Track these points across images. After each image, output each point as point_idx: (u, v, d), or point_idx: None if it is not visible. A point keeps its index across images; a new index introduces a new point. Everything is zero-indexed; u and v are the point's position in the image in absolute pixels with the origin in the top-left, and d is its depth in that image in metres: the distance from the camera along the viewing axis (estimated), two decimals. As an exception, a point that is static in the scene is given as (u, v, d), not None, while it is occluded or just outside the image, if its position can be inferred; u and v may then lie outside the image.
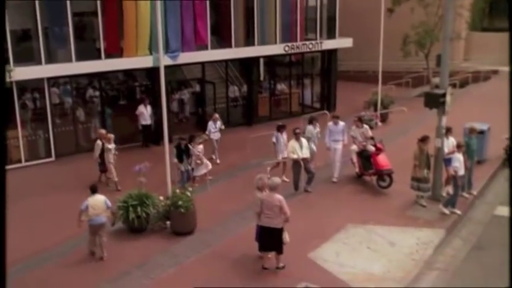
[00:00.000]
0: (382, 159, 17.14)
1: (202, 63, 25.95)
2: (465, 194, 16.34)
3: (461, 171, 15.20)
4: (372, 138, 17.87)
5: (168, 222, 14.54)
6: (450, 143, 16.19)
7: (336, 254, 12.98)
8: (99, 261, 13.12)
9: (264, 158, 18.87)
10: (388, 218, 15.03)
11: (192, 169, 17.75)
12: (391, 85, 31.29)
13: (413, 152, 15.83)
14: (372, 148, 17.45)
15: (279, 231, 11.94)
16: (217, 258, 12.89)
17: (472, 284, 11.93)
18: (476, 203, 16.53)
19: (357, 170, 18.16)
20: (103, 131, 19.03)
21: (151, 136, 23.83)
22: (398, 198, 16.39)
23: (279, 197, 11.81)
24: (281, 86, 30.14)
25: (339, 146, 18.14)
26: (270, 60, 29.43)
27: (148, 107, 23.54)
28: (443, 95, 15.31)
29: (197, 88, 28.17)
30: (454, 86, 30.40)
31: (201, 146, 18.40)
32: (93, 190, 13.25)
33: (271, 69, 30.06)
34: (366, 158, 17.67)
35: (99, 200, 13.16)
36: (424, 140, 15.70)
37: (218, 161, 20.69)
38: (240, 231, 14.24)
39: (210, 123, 21.02)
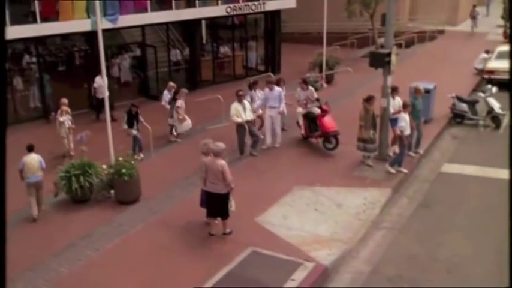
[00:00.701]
0: (328, 121, 17.28)
1: (142, 27, 25.46)
2: (411, 153, 16.67)
3: (407, 131, 15.45)
4: (318, 99, 17.94)
5: (112, 192, 14.38)
6: (397, 103, 16.41)
7: (283, 217, 13.11)
8: (33, 222, 13.25)
9: (208, 123, 18.77)
10: (335, 179, 15.24)
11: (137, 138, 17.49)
12: (336, 46, 31.42)
13: (359, 112, 15.98)
14: (317, 110, 17.54)
15: (224, 197, 11.95)
16: (163, 226, 12.85)
17: (420, 241, 12.24)
18: (423, 161, 16.94)
19: (303, 132, 18.24)
20: (64, 101, 18.26)
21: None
22: (344, 160, 16.61)
23: (221, 162, 11.79)
24: (224, 49, 29.93)
25: (275, 114, 17.70)
26: (212, 22, 29.10)
27: (105, 78, 21.99)
28: (389, 55, 15.47)
29: (138, 52, 27.67)
30: (399, 46, 30.78)
31: (181, 101, 18.44)
32: (29, 149, 13.55)
33: (214, 32, 29.76)
34: (311, 120, 17.75)
35: (33, 158, 13.41)
36: (369, 100, 15.86)
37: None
38: (187, 197, 14.20)
39: (166, 93, 19.99)
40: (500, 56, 26.55)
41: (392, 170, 15.54)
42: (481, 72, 26.90)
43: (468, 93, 23.50)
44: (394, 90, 16.50)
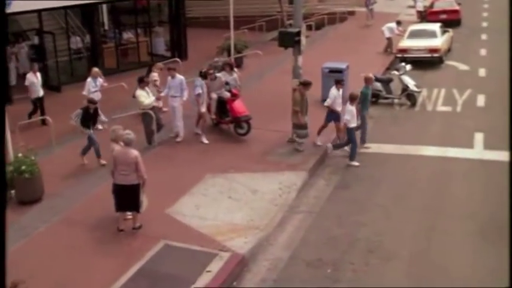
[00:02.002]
0: (239, 106, 17.06)
1: (39, 12, 24.36)
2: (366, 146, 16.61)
3: (353, 123, 15.34)
4: (227, 83, 17.69)
5: (12, 192, 13.64)
6: (335, 93, 16.10)
7: (195, 207, 12.84)
8: None
9: (113, 112, 18.15)
10: (249, 164, 15.11)
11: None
12: (244, 30, 31.32)
13: (293, 97, 15.81)
14: (227, 94, 17.27)
15: (135, 188, 11.56)
16: (70, 225, 12.26)
17: (339, 222, 12.34)
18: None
19: (213, 117, 17.92)
20: None
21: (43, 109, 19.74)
22: (258, 145, 16.49)
23: (135, 152, 11.40)
24: (127, 35, 29.20)
25: (176, 104, 17.05)
26: (114, 7, 28.27)
27: (38, 74, 19.37)
28: (298, 34, 15.44)
29: (36, 40, 26.55)
30: (309, 28, 31.00)
31: (156, 73, 18.53)
32: None
33: (116, 17, 28.95)
34: (221, 105, 17.48)
35: None
36: (306, 84, 15.73)
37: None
38: (94, 192, 13.64)
39: (89, 81, 18.57)
40: (413, 34, 27.33)
41: (356, 163, 15.40)
42: (389, 40, 28.00)
43: (382, 72, 24.00)
44: (338, 83, 16.32)
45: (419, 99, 20.70)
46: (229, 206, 12.87)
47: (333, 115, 16.24)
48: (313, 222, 12.51)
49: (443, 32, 27.98)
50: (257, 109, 17.38)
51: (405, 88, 20.37)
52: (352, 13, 38.77)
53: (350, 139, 15.45)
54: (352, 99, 15.35)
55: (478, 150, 15.96)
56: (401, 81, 20.59)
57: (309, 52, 22.89)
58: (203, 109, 17.04)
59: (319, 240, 11.70)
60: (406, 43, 26.73)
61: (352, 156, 15.50)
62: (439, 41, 26.66)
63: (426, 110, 20.02)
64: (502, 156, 14.60)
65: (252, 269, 10.78)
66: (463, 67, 25.94)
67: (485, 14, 39.78)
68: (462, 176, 14.59)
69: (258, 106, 17.50)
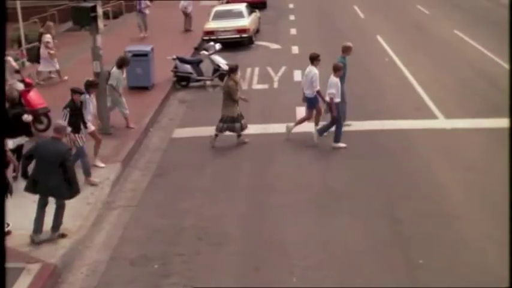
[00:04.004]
0: (35, 97, 15.61)
1: None
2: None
3: (338, 98, 14.32)
4: (18, 71, 16.18)
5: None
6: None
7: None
8: None
9: None
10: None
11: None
12: (35, 19, 29.54)
13: (226, 87, 14.87)
14: (20, 85, 15.69)
15: None
16: None
17: (161, 213, 11.80)
18: (151, 130, 16.55)
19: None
20: None
21: None
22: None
23: None
24: None
25: None
26: None
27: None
28: (94, 9, 14.43)
29: None
30: (107, 17, 29.95)
31: (49, 35, 18.72)
32: None
33: None
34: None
35: None
36: (235, 70, 15.00)
37: None
38: None
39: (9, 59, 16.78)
40: (218, 16, 27.38)
41: (342, 145, 14.45)
42: (186, 15, 28.90)
43: (191, 54, 23.67)
44: (315, 59, 15.06)
45: (234, 79, 20.57)
46: (35, 211, 11.62)
47: (313, 100, 15.07)
48: (133, 216, 11.83)
49: (250, 12, 28.29)
50: (57, 101, 16.07)
51: (217, 68, 20.18)
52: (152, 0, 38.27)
53: (336, 117, 14.37)
54: (336, 70, 14.38)
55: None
56: (212, 61, 20.37)
57: (109, 38, 22.19)
58: None
59: (141, 235, 11.07)
60: (211, 25, 26.76)
61: (337, 137, 14.49)
62: (247, 21, 26.99)
63: (242, 89, 19.90)
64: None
65: (67, 279, 9.85)
66: (274, 46, 26.53)
67: None
68: (288, 150, 14.67)
69: (56, 97, 16.19)
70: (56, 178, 10.39)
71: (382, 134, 15.23)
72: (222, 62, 20.22)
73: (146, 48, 19.58)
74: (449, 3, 36.85)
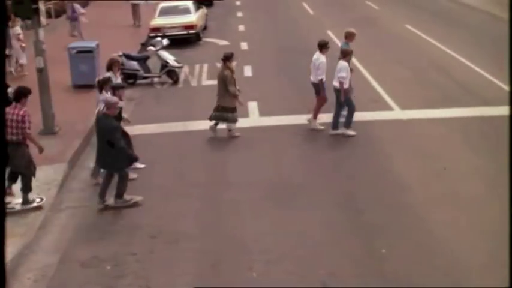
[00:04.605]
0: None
1: None
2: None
3: (347, 84, 14.14)
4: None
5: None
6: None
7: None
8: None
9: None
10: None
11: None
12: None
13: (222, 76, 14.56)
14: None
15: None
16: None
17: (114, 212, 11.40)
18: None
19: None
20: None
21: None
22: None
23: None
24: None
25: None
26: None
27: None
28: (35, 0, 13.95)
29: None
30: (49, 15, 29.32)
31: (18, 27, 18.68)
32: None
33: None
34: None
35: None
36: (230, 57, 14.67)
37: None
38: None
39: None
40: (164, 12, 27.06)
41: (352, 132, 14.26)
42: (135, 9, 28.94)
43: (139, 50, 23.47)
44: (324, 47, 14.71)
45: (182, 76, 20.44)
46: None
47: (318, 87, 14.82)
48: (83, 217, 11.49)
49: (197, 9, 28.10)
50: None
51: (165, 64, 19.89)
52: (86, 4, 37.91)
53: (347, 102, 14.24)
54: (345, 54, 14.29)
55: (254, 118, 16.14)
56: (159, 57, 20.07)
57: (51, 37, 21.72)
58: None
59: (92, 236, 10.75)
60: (158, 21, 26.50)
61: (348, 123, 14.32)
62: (194, 17, 26.83)
63: (191, 86, 19.94)
64: (277, 121, 15.46)
65: (12, 286, 9.39)
66: (223, 43, 26.40)
67: None
68: (242, 145, 14.52)
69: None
70: (110, 152, 11.10)
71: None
72: (170, 58, 19.94)
73: (91, 44, 19.17)
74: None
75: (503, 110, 15.49)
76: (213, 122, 14.81)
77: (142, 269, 9.53)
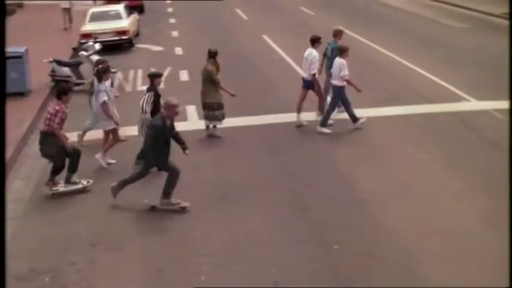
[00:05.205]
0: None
1: None
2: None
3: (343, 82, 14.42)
4: None
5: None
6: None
7: None
8: None
9: None
10: None
11: None
12: None
13: (209, 71, 14.27)
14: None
15: None
16: None
17: (49, 223, 11.02)
18: (31, 138, 15.57)
19: None
20: None
21: None
22: None
23: None
24: None
25: None
26: None
27: None
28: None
29: None
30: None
31: None
32: None
33: None
34: None
35: None
36: (216, 53, 14.50)
37: None
38: None
39: None
40: (95, 18, 26.64)
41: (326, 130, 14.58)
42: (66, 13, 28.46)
43: (69, 56, 23.00)
44: (316, 41, 15.06)
45: (116, 82, 20.03)
46: None
47: (308, 83, 15.09)
48: (17, 229, 10.95)
49: (129, 14, 27.74)
50: None
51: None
52: (20, 6, 37.16)
53: (334, 102, 14.69)
54: (343, 51, 14.45)
55: (193, 121, 15.97)
56: (92, 62, 19.53)
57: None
58: None
59: (27, 247, 10.28)
60: (88, 27, 26.01)
61: (325, 120, 14.67)
62: (126, 23, 26.50)
63: (126, 91, 19.54)
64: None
65: None
66: (156, 48, 26.24)
67: (168, 1, 42.99)
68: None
69: None
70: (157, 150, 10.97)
71: (279, 127, 15.27)
72: (103, 62, 19.48)
73: (19, 49, 18.50)
74: (332, 4, 37.93)
75: (446, 107, 15.95)
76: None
77: (84, 279, 9.16)
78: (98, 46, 20.33)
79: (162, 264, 9.37)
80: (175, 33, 29.75)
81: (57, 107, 11.96)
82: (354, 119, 14.68)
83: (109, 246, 10.02)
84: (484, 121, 15.02)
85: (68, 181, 12.27)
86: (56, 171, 12.17)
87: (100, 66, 13.74)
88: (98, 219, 11.05)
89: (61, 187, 12.20)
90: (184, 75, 20.54)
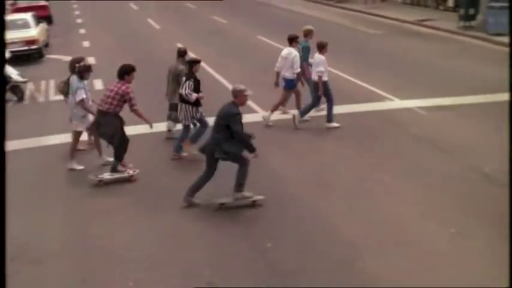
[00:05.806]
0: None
1: None
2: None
3: (326, 77, 14.50)
4: None
5: None
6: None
7: None
8: None
9: None
10: None
11: None
12: None
13: (179, 70, 13.68)
14: None
15: None
16: None
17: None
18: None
19: None
20: None
21: None
22: None
23: None
24: None
25: None
26: None
27: None
28: None
29: None
30: None
31: None
32: None
33: None
34: None
35: None
36: (185, 53, 14.31)
37: None
38: None
39: None
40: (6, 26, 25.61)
41: (336, 124, 14.69)
42: None
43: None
44: (294, 40, 15.21)
45: (27, 93, 19.56)
46: None
47: (292, 83, 15.25)
48: None
49: (38, 23, 27.03)
50: None
51: (8, 80, 18.70)
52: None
53: (327, 95, 14.61)
54: (322, 47, 14.56)
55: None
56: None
57: None
58: None
59: None
60: (-3, 36, 24.94)
61: (330, 116, 14.69)
62: (35, 32, 25.76)
63: (38, 102, 19.06)
64: (134, 130, 14.37)
65: None
66: (68, 59, 25.19)
67: (77, 12, 43.00)
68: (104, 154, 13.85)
69: None
70: (225, 140, 10.35)
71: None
72: (14, 73, 18.87)
73: None
74: (245, 14, 38.35)
75: (372, 106, 16.30)
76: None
77: (10, 289, 8.76)
78: (7, 54, 19.64)
79: (86, 274, 9.02)
80: (86, 44, 29.25)
81: (123, 87, 11.91)
82: (303, 115, 15.02)
83: (29, 260, 9.59)
84: (410, 118, 15.45)
85: (114, 170, 12.14)
86: (117, 156, 12.09)
87: (82, 64, 13.54)
88: (17, 231, 10.33)
89: (107, 175, 12.09)
90: (98, 84, 20.18)
